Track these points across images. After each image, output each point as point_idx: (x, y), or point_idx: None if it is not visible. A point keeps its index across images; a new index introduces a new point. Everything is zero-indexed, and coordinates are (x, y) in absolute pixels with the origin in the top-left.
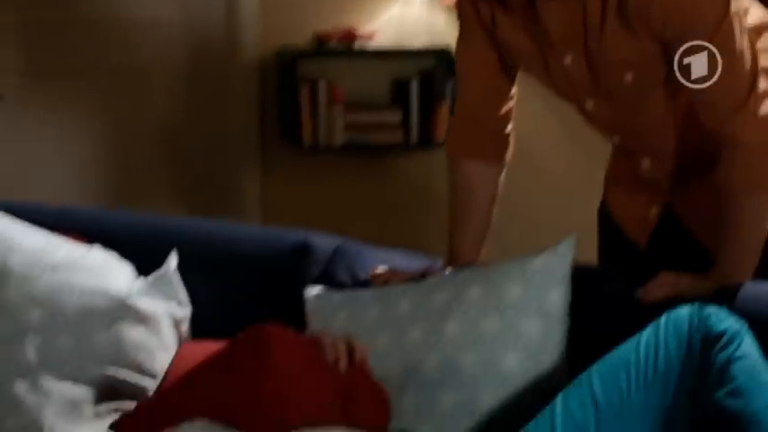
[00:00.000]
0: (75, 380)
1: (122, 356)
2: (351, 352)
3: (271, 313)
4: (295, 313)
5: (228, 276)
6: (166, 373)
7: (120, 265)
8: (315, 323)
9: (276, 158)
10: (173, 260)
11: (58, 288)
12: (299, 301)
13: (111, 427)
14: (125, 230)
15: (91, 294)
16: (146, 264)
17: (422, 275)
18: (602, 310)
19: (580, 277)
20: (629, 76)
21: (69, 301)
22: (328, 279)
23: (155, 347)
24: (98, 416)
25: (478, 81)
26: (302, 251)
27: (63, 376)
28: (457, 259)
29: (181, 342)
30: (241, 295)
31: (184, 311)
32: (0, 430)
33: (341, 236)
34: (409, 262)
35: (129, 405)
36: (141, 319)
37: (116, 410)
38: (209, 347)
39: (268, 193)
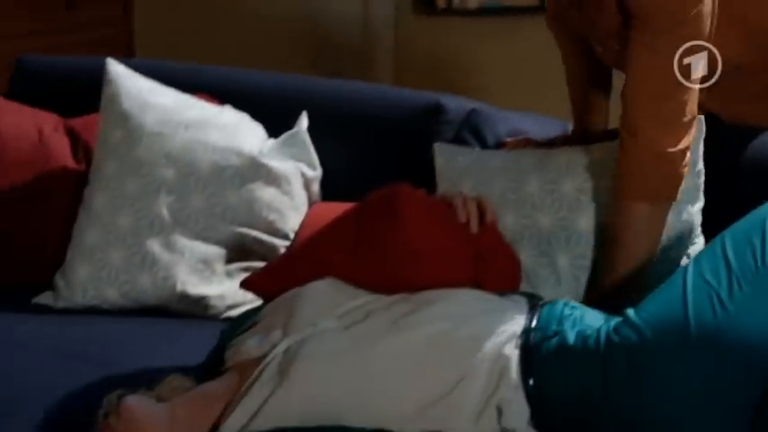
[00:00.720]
0: (207, 239)
1: (253, 216)
2: (482, 212)
3: (402, 175)
4: (426, 175)
5: (360, 138)
6: (296, 233)
7: (252, 126)
8: (444, 185)
9: (410, 20)
10: (303, 121)
11: (191, 146)
12: (431, 163)
13: (242, 285)
14: (256, 91)
15: (223, 153)
16: (276, 125)
17: (551, 142)
18: (736, 175)
19: (713, 142)
20: (615, 44)
21: (202, 159)
22: (460, 142)
23: (285, 207)
24: (229, 274)
25: None
26: (435, 113)
27: (195, 235)
28: (581, 124)
29: (311, 203)
30: (372, 157)
31: (315, 172)
32: (134, 286)
33: (473, 99)
34: (542, 126)
35: (260, 264)
36: (272, 178)
37: (247, 269)
38: (340, 208)
39: (400, 56)
